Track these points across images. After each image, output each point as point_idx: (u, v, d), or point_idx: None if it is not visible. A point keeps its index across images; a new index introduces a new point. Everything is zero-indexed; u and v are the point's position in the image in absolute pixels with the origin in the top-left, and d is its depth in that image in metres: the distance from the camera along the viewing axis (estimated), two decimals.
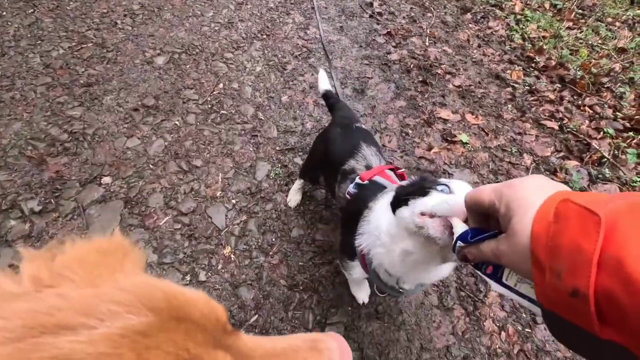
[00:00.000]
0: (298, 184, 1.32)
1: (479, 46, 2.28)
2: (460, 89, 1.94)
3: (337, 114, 1.18)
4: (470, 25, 2.47)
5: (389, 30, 2.27)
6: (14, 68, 1.78)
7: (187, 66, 1.89)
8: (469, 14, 2.58)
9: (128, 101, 1.67)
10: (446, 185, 0.62)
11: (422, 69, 2.01)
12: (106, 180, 1.35)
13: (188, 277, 1.12)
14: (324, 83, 1.29)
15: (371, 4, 2.51)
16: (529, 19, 2.63)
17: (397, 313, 1.08)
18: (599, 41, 2.61)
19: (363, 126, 1.10)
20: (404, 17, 2.44)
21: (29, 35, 1.98)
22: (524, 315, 1.12)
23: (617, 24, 3.15)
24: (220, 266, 1.16)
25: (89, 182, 1.34)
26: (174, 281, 0.82)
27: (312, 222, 1.30)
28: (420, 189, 0.63)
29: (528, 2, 2.92)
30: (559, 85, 2.06)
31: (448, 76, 2.00)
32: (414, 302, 1.11)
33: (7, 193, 1.28)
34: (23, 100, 1.62)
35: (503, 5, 2.76)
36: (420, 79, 1.95)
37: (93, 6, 2.24)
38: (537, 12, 2.83)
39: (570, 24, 2.83)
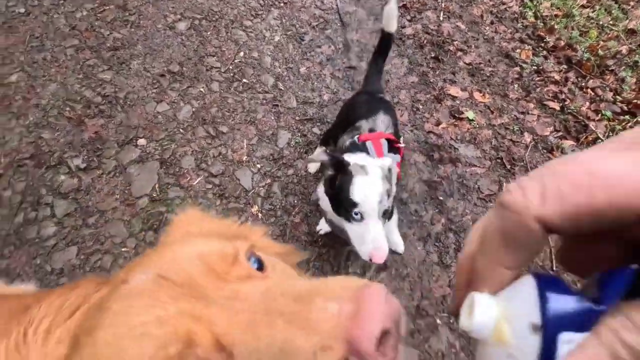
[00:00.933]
0: (318, 150, 1.45)
1: (492, 23, 2.33)
2: (471, 66, 2.02)
3: (370, 80, 1.28)
4: (484, 0, 2.49)
5: (404, 2, 2.30)
6: (40, 28, 1.84)
7: (208, 33, 1.95)
8: None
9: (154, 66, 1.75)
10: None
11: (435, 45, 2.08)
12: (141, 142, 1.48)
13: None
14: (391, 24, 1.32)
15: None
16: None
17: (402, 267, 1.25)
18: (610, 22, 2.64)
19: (387, 98, 1.21)
20: None
21: None
22: None
23: (632, 2, 3.14)
24: (249, 223, 1.31)
25: (126, 143, 1.47)
26: None
27: None
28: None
29: None
30: (565, 67, 2.13)
31: (459, 53, 2.07)
32: (417, 258, 1.28)
33: (53, 150, 1.41)
34: (54, 61, 1.70)
35: None
36: (433, 55, 2.02)
37: None
38: None
39: (584, 1, 2.83)
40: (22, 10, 1.91)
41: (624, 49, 2.39)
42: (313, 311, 0.28)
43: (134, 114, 1.56)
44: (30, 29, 1.83)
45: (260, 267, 0.38)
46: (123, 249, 1.21)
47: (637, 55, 2.36)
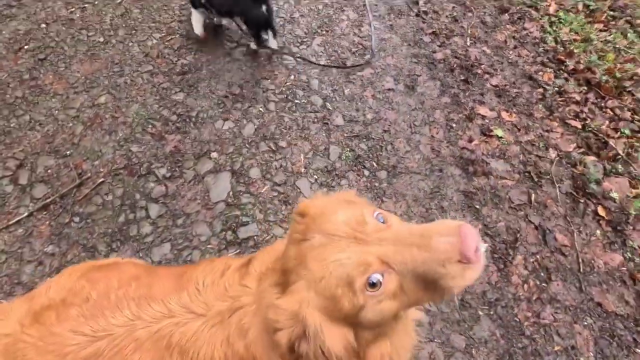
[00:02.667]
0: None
1: (515, 47, 2.53)
2: (497, 88, 2.22)
3: None
4: (507, 26, 2.70)
5: (433, 30, 2.52)
6: (119, 55, 2.11)
7: (262, 58, 2.20)
8: (506, 14, 2.80)
9: (218, 89, 2.00)
10: None
11: (464, 69, 2.29)
12: (214, 155, 1.71)
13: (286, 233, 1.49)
14: None
15: (417, 2, 2.75)
16: (562, 20, 2.84)
17: None
18: (626, 45, 2.82)
19: None
20: (446, 16, 2.68)
21: (124, 25, 2.30)
22: (542, 275, 1.47)
23: None
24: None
25: (201, 156, 1.70)
26: (278, 234, 1.21)
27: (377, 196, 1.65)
28: None
29: (562, 3, 3.10)
30: (585, 88, 2.31)
31: (486, 76, 2.27)
32: None
33: (141, 162, 1.65)
34: (134, 84, 1.97)
35: (538, 6, 2.96)
36: (462, 78, 2.23)
37: None
38: (570, 13, 3.02)
39: (601, 25, 3.02)
40: (101, 39, 2.20)
41: None
42: (434, 242, 0.50)
43: (205, 131, 1.80)
44: (110, 56, 2.11)
45: (383, 221, 0.60)
46: (209, 246, 1.42)
47: None
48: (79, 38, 2.19)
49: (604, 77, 2.36)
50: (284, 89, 2.04)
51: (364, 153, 1.79)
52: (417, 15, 2.65)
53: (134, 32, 2.26)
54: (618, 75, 2.40)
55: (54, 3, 2.42)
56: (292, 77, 2.12)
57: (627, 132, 2.07)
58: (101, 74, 2.00)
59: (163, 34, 2.26)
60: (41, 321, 0.60)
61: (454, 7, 2.78)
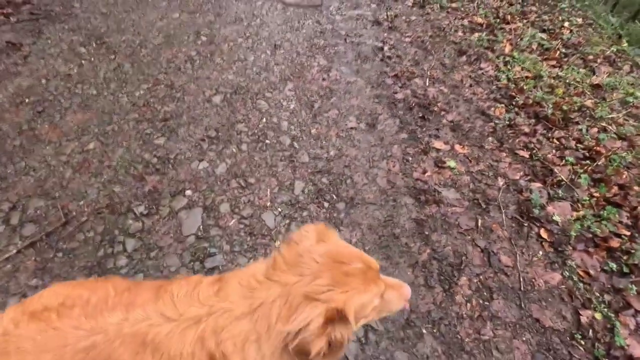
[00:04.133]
0: None
1: (471, 86, 2.78)
2: (452, 123, 2.43)
3: None
4: (464, 66, 2.97)
5: (396, 72, 2.79)
6: (109, 106, 2.36)
7: (238, 104, 2.44)
8: (464, 56, 3.08)
9: (196, 132, 2.22)
10: None
11: (422, 107, 2.52)
12: (188, 192, 1.89)
13: (251, 262, 1.64)
14: None
15: (382, 49, 3.04)
16: (515, 60, 3.12)
17: None
18: (577, 79, 3.07)
19: None
20: (409, 60, 2.96)
21: (115, 79, 2.58)
22: (485, 294, 1.59)
23: (599, 60, 3.60)
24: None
25: (177, 194, 1.88)
26: (242, 263, 1.38)
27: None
28: None
29: (517, 43, 3.41)
30: (533, 120, 2.53)
31: (443, 112, 2.50)
32: (407, 281, 1.59)
33: (122, 201, 1.83)
34: (121, 131, 2.19)
35: (494, 48, 3.25)
36: (420, 115, 2.45)
37: (160, 52, 2.84)
38: (525, 52, 3.31)
39: (554, 62, 3.30)
40: (95, 92, 2.46)
41: (590, 103, 2.79)
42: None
43: (181, 171, 2.00)
44: (101, 106, 2.35)
45: None
46: (177, 276, 1.57)
47: (600, 107, 2.75)
48: (75, 91, 2.45)
49: (550, 110, 2.58)
50: (256, 131, 2.26)
51: (325, 187, 1.97)
52: (381, 60, 2.93)
53: (124, 84, 2.53)
54: (565, 107, 2.63)
55: (54, 60, 2.71)
56: (264, 119, 2.35)
57: (571, 160, 2.25)
58: (92, 123, 2.23)
59: (150, 85, 2.53)
60: (41, 319, 0.73)
61: (416, 51, 3.08)
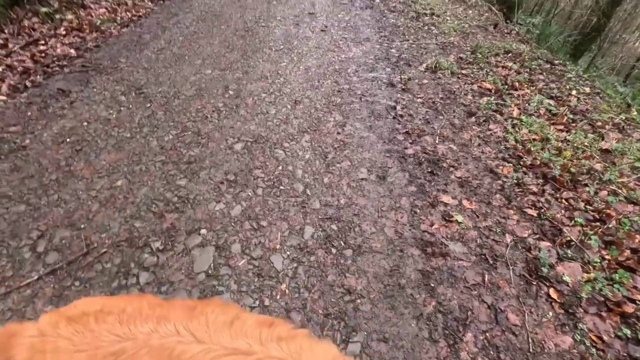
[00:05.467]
0: None
1: (479, 145, 2.90)
2: (460, 179, 2.51)
3: None
4: (473, 127, 3.12)
5: (407, 130, 2.96)
6: (139, 148, 2.57)
7: (257, 152, 2.61)
8: (473, 117, 3.25)
9: (216, 176, 2.37)
10: None
11: (431, 162, 2.63)
12: (203, 231, 1.99)
13: (257, 302, 1.67)
14: None
15: (394, 108, 3.25)
16: (523, 123, 3.26)
17: (398, 339, 1.55)
18: (585, 143, 3.16)
19: None
20: (420, 119, 3.14)
21: (148, 124, 2.82)
22: (491, 352, 1.55)
23: (608, 126, 3.70)
24: (278, 296, 1.70)
25: (192, 232, 1.98)
26: (248, 304, 1.43)
27: (342, 271, 1.84)
28: None
29: (525, 108, 3.58)
30: (541, 180, 2.59)
31: (451, 169, 2.60)
32: (410, 333, 1.58)
33: (141, 235, 1.93)
34: (147, 171, 2.37)
35: (503, 111, 3.42)
36: (429, 170, 2.55)
37: (190, 103, 3.12)
38: (533, 116, 3.46)
39: (562, 126, 3.42)
40: (128, 135, 2.70)
41: (598, 166, 2.84)
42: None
43: (199, 211, 2.11)
44: (133, 148, 2.57)
45: None
46: (212, 298, 1.61)
47: (609, 171, 2.80)
48: (111, 134, 2.69)
49: (559, 172, 2.64)
50: (272, 177, 2.40)
51: (334, 233, 2.03)
52: (394, 117, 3.12)
53: (155, 129, 2.77)
54: (573, 170, 2.69)
55: (97, 106, 3.02)
56: (280, 167, 2.49)
57: (581, 221, 2.26)
58: (122, 162, 2.42)
59: (178, 131, 2.76)
60: (80, 322, 0.77)
61: (427, 111, 3.27)
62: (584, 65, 11.15)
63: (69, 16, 4.66)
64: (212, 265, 1.81)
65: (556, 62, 5.17)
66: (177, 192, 2.23)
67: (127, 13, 5.20)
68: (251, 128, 2.85)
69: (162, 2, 5.77)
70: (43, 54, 3.84)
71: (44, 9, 4.42)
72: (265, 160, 2.54)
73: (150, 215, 2.06)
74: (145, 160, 2.46)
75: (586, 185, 2.58)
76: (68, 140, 2.61)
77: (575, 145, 3.10)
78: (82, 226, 1.97)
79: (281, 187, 2.32)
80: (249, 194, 2.25)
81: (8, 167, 2.35)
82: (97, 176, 2.31)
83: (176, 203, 2.15)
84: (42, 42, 4.07)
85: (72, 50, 4.00)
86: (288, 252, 1.91)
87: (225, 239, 1.95)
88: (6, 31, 4.01)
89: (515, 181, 2.55)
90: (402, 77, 3.79)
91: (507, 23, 7.63)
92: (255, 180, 2.36)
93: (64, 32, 4.36)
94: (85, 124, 2.80)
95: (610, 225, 2.24)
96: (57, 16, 4.54)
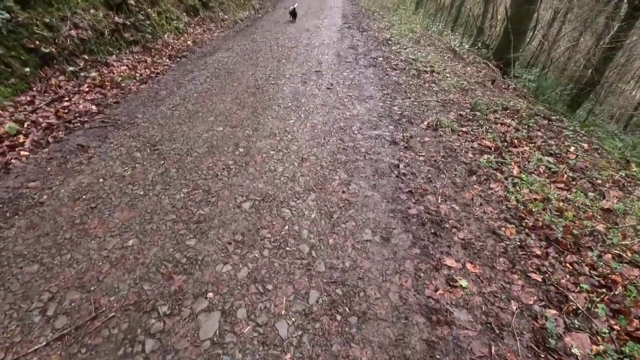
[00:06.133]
0: None
1: (481, 204, 2.97)
2: (464, 241, 2.55)
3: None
4: (475, 186, 3.21)
5: (410, 189, 3.05)
6: (152, 206, 2.67)
7: (264, 211, 2.70)
8: (474, 176, 3.35)
9: (224, 236, 2.44)
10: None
11: (434, 223, 2.69)
12: (210, 295, 2.02)
13: None
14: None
15: (397, 166, 3.37)
16: (524, 181, 3.34)
17: None
18: (586, 203, 3.21)
19: None
20: (422, 178, 3.24)
21: (161, 182, 2.95)
22: None
23: (608, 184, 3.77)
24: None
25: (199, 295, 2.01)
26: None
27: (346, 341, 1.83)
28: None
29: (525, 166, 3.68)
30: (545, 243, 2.61)
31: (454, 230, 2.64)
32: None
33: (149, 299, 1.97)
34: (158, 230, 2.44)
35: (503, 169, 3.53)
36: (432, 231, 2.60)
37: (202, 160, 3.27)
38: (533, 174, 3.55)
39: (562, 185, 3.49)
40: (141, 192, 2.81)
41: (601, 227, 2.87)
42: None
43: (207, 272, 2.15)
44: (145, 206, 2.67)
45: None
46: None
47: (612, 233, 2.82)
48: (125, 191, 2.81)
49: (561, 234, 2.67)
50: (278, 237, 2.46)
51: (339, 298, 2.04)
52: (397, 176, 3.23)
53: (168, 187, 2.88)
54: (576, 231, 2.72)
55: (113, 162, 3.17)
56: (287, 227, 2.56)
57: (586, 287, 2.26)
58: (135, 221, 2.51)
59: (190, 189, 2.87)
60: None
61: (429, 169, 3.38)
62: (583, 114, 11.49)
63: (93, 73, 5.01)
64: (217, 331, 1.82)
65: (553, 118, 5.37)
66: (186, 252, 2.28)
67: (146, 70, 5.58)
68: (259, 186, 2.96)
69: (179, 59, 6.20)
70: (66, 110, 4.10)
71: (70, 68, 4.77)
72: (272, 219, 2.61)
73: (159, 277, 2.10)
74: (156, 219, 2.54)
75: (590, 248, 2.60)
76: (84, 197, 2.73)
77: (576, 204, 3.15)
78: (92, 288, 2.01)
79: (287, 248, 2.37)
80: (256, 255, 2.30)
81: (25, 224, 2.44)
82: (110, 235, 2.38)
83: (185, 264, 2.19)
84: (67, 98, 4.35)
85: (94, 107, 4.26)
86: (293, 319, 1.92)
87: (232, 304, 1.97)
88: (34, 89, 4.31)
89: (518, 243, 2.58)
90: (405, 134, 3.96)
91: (504, 78, 8.02)
92: (262, 241, 2.42)
93: (87, 89, 4.67)
94: (101, 180, 2.93)
95: (616, 292, 2.23)
96: (82, 74, 4.89)
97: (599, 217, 3.01)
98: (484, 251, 2.49)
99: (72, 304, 1.92)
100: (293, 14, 9.76)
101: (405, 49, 7.73)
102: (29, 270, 2.11)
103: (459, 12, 17.83)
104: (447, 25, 15.88)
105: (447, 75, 6.34)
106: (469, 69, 7.31)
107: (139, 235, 2.40)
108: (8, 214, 2.52)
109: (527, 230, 2.72)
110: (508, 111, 5.06)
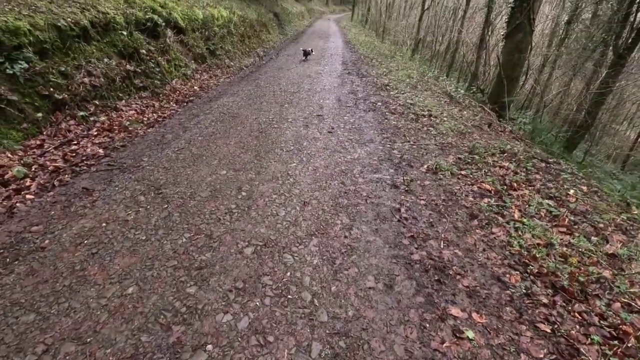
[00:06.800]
0: None
1: (484, 250, 2.95)
2: (468, 289, 2.51)
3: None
4: (477, 230, 3.20)
5: (412, 234, 3.05)
6: (153, 252, 2.65)
7: (266, 257, 2.68)
8: (475, 220, 3.35)
9: (225, 283, 2.40)
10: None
11: (438, 269, 2.66)
12: (209, 347, 1.95)
13: None
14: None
15: (399, 210, 3.39)
16: (526, 226, 3.34)
17: None
18: (590, 248, 3.19)
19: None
20: (424, 222, 3.25)
21: (164, 226, 2.95)
22: None
23: (610, 228, 3.76)
24: None
25: (198, 348, 1.95)
26: None
27: None
28: None
29: (525, 209, 3.70)
30: (551, 291, 2.57)
31: (458, 277, 2.61)
32: None
33: (147, 352, 1.91)
34: (158, 277, 2.42)
35: (504, 213, 3.54)
36: (436, 279, 2.57)
37: (205, 204, 3.29)
38: (534, 218, 3.56)
39: (565, 229, 3.49)
40: (144, 237, 2.81)
41: (607, 274, 2.83)
42: None
43: (206, 323, 2.10)
44: (147, 251, 2.66)
45: None
46: None
47: (619, 280, 2.77)
48: (127, 236, 2.81)
49: (567, 282, 2.63)
50: (280, 285, 2.42)
51: (342, 351, 1.98)
52: (398, 220, 3.23)
53: (170, 231, 2.89)
54: (582, 278, 2.68)
55: (117, 206, 3.20)
56: (289, 274, 2.53)
57: (597, 339, 2.19)
58: (135, 267, 2.49)
59: (192, 234, 2.87)
60: None
61: (430, 214, 3.40)
62: (580, 154, 11.69)
63: (102, 118, 5.19)
64: None
65: (551, 160, 5.46)
66: (186, 301, 2.24)
67: (154, 114, 5.78)
68: (261, 231, 2.97)
69: (185, 104, 6.44)
70: (74, 154, 4.20)
71: (81, 113, 4.95)
72: (274, 265, 2.59)
73: (157, 327, 2.05)
74: (157, 265, 2.52)
75: (598, 296, 2.55)
76: (86, 241, 2.72)
77: (580, 250, 3.13)
78: (89, 340, 1.96)
79: (289, 296, 2.33)
80: (257, 303, 2.26)
81: (24, 271, 2.42)
82: (109, 282, 2.35)
83: (184, 314, 2.15)
84: (75, 142, 4.48)
85: (101, 150, 4.37)
86: None
87: (231, 357, 1.91)
88: (45, 133, 4.45)
89: (524, 291, 2.54)
90: (405, 178, 4.02)
91: (500, 121, 8.27)
92: (263, 288, 2.38)
93: (95, 133, 4.82)
94: (104, 224, 2.94)
95: (629, 345, 2.16)
96: (92, 118, 5.07)
97: (604, 263, 2.98)
98: (490, 299, 2.44)
99: (67, 357, 1.86)
100: (306, 53, 11.43)
101: (403, 93, 8.05)
102: (25, 319, 2.06)
103: (453, 58, 18.76)
104: (442, 70, 16.63)
105: (445, 118, 6.54)
106: (465, 112, 7.55)
107: (139, 282, 2.37)
108: (8, 260, 2.51)
109: (532, 277, 2.68)
110: (506, 154, 5.16)
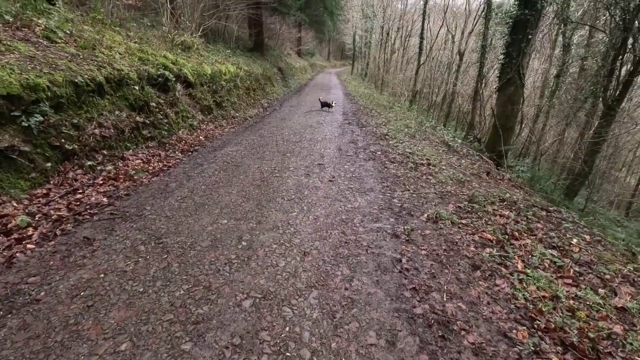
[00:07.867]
0: None
1: (489, 303, 2.87)
2: (474, 345, 2.41)
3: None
4: (480, 282, 3.14)
5: (414, 285, 2.99)
6: (150, 305, 2.60)
7: (264, 310, 2.62)
8: (478, 271, 3.30)
9: (222, 339, 2.33)
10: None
11: (441, 324, 2.57)
12: None
13: None
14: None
15: (400, 260, 3.36)
16: (530, 277, 3.28)
17: None
18: (598, 301, 3.10)
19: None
20: (425, 273, 3.20)
21: (162, 277, 2.92)
22: None
23: (617, 279, 3.67)
24: None
25: None
26: None
27: None
28: None
29: (529, 260, 3.64)
30: (561, 348, 2.46)
31: (463, 332, 2.52)
32: None
33: None
34: (154, 333, 2.35)
35: (507, 264, 3.49)
36: (440, 334, 2.48)
37: (205, 254, 3.28)
38: (538, 269, 3.50)
39: (570, 280, 3.41)
40: (141, 289, 2.77)
41: (618, 329, 2.72)
42: None
43: None
44: (143, 305, 2.60)
45: None
46: None
47: (631, 337, 2.66)
48: (125, 287, 2.77)
49: (577, 338, 2.53)
50: (278, 341, 2.34)
51: None
52: (399, 271, 3.19)
53: (168, 283, 2.85)
54: (591, 335, 2.58)
55: (117, 256, 3.19)
56: (287, 328, 2.45)
57: None
58: (130, 321, 2.43)
59: (190, 285, 2.83)
60: None
61: (432, 264, 3.35)
62: (581, 201, 11.68)
63: (109, 167, 5.33)
64: None
65: (551, 209, 5.48)
66: (181, 358, 2.16)
67: (159, 163, 5.94)
68: (260, 282, 2.92)
69: (190, 153, 6.64)
70: (78, 202, 4.26)
71: (89, 163, 5.10)
72: (272, 320, 2.52)
73: None
74: (153, 319, 2.46)
75: (610, 354, 2.44)
76: (82, 293, 2.68)
77: (587, 303, 3.04)
78: None
79: (287, 354, 2.24)
80: None
81: (16, 325, 2.36)
82: (103, 337, 2.29)
83: None
84: (80, 191, 4.56)
85: (105, 199, 4.44)
86: None
87: None
88: (51, 182, 4.55)
89: (532, 348, 2.43)
90: (405, 227, 4.02)
91: (498, 169, 8.41)
92: (261, 345, 2.30)
93: (101, 182, 4.92)
94: (102, 275, 2.91)
95: None
96: (99, 167, 5.20)
97: (614, 318, 2.88)
98: (497, 358, 2.33)
99: None
100: (326, 104, 12.15)
101: (401, 143, 8.28)
102: None
103: (450, 108, 19.53)
104: (439, 120, 17.23)
105: (443, 167, 6.67)
106: (463, 161, 7.72)
107: (133, 338, 2.30)
108: (1, 313, 2.46)
109: (539, 332, 2.59)
110: (505, 202, 5.19)
